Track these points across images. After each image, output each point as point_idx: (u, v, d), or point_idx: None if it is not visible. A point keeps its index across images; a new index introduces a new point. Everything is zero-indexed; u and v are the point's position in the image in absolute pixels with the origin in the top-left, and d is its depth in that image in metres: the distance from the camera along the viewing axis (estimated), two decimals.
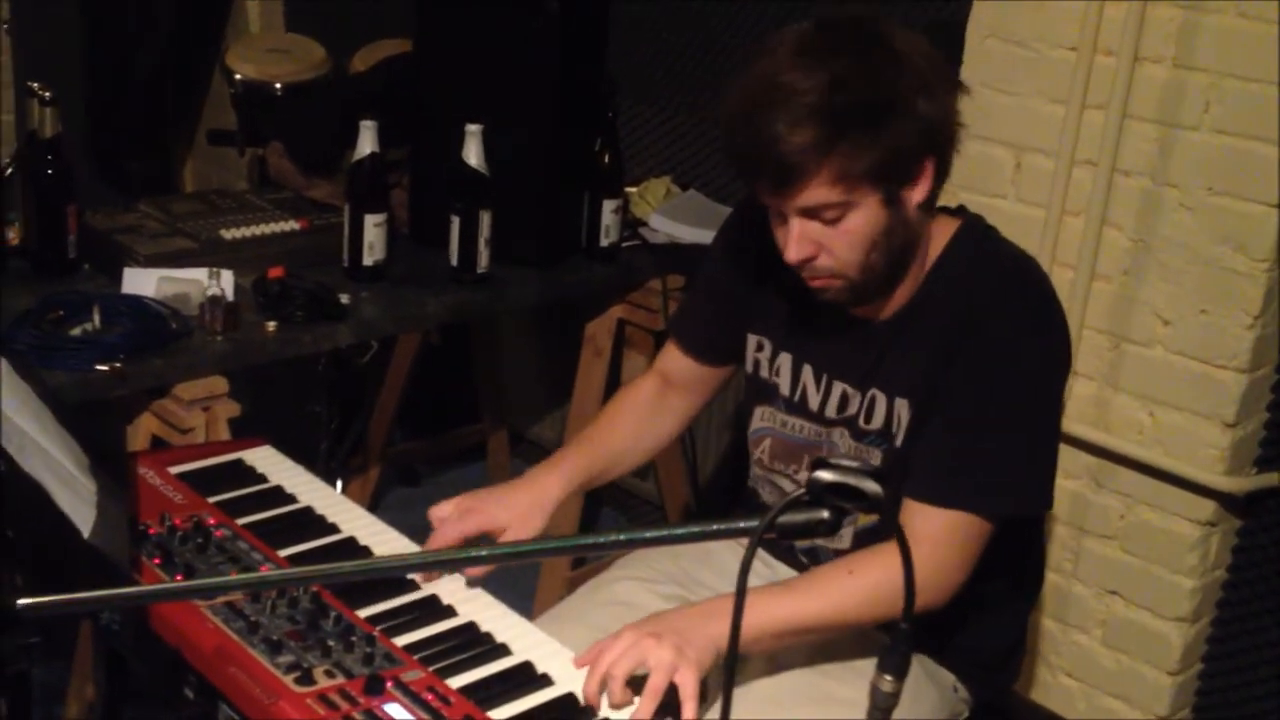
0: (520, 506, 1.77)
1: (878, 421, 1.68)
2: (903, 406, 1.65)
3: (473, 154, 2.44)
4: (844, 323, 1.69)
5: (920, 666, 1.74)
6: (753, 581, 1.72)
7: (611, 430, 1.92)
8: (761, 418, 1.82)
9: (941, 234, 1.66)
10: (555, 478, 1.81)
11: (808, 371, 1.75)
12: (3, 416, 1.44)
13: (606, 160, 2.68)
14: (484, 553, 1.10)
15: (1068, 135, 2.32)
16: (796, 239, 1.56)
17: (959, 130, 1.59)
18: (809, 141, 1.47)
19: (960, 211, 1.71)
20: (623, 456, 1.92)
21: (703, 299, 1.93)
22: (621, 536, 1.00)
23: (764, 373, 1.80)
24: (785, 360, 1.77)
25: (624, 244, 2.77)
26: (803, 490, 0.97)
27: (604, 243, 2.72)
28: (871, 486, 0.95)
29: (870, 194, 1.52)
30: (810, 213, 1.54)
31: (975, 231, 1.68)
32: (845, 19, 1.56)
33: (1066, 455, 2.32)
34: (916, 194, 1.57)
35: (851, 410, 1.70)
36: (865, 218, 1.54)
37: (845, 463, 0.97)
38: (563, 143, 2.62)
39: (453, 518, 1.74)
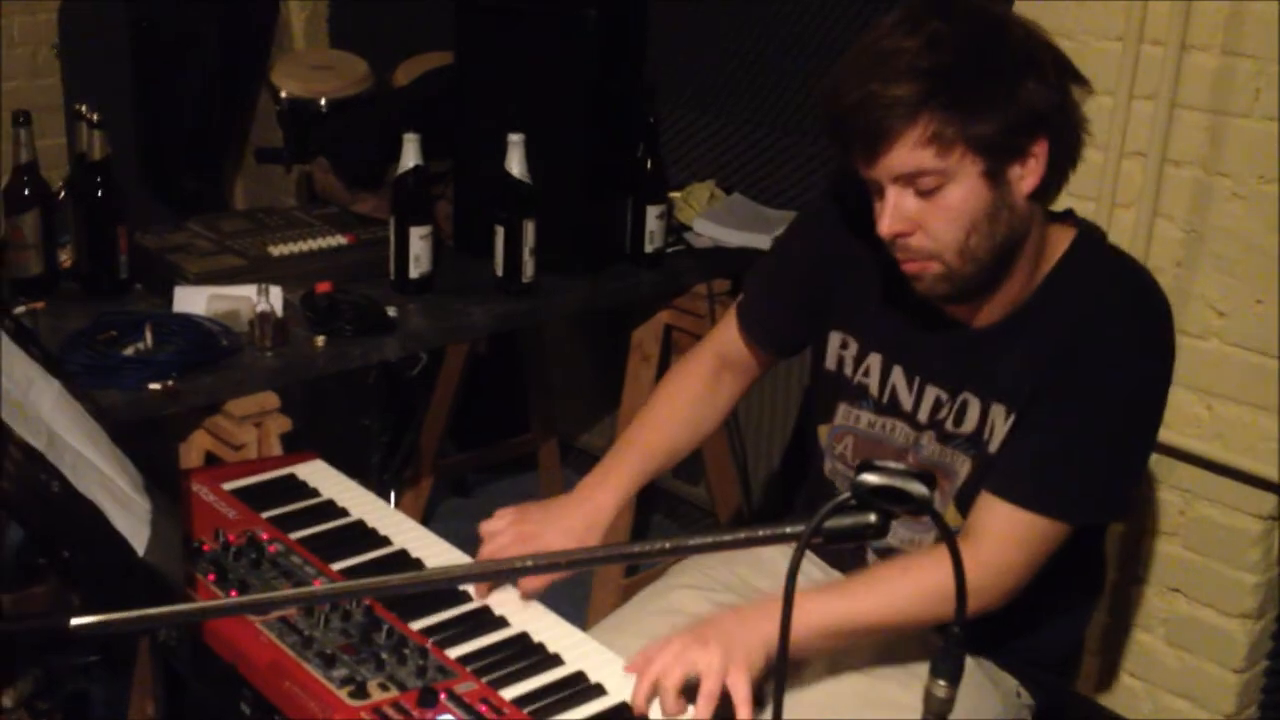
0: (575, 530, 1.74)
1: (968, 425, 1.64)
2: (999, 412, 1.61)
3: (515, 164, 2.45)
4: (940, 326, 1.65)
5: (982, 671, 1.72)
6: (811, 588, 1.72)
7: (662, 424, 1.88)
8: (844, 416, 1.78)
9: (1057, 242, 1.61)
10: (608, 493, 1.78)
11: (899, 373, 1.71)
12: (57, 437, 1.46)
13: (649, 166, 2.68)
14: (530, 562, 1.10)
15: (1116, 126, 2.29)
16: (891, 211, 1.51)
17: (1082, 128, 1.54)
18: (899, 98, 1.44)
19: (1072, 217, 1.66)
20: (674, 451, 1.88)
21: (772, 292, 1.88)
22: (668, 544, 0.99)
23: (848, 371, 1.76)
24: (875, 361, 1.73)
25: (669, 249, 2.77)
26: (848, 495, 0.96)
27: (649, 249, 2.71)
28: (918, 488, 0.94)
29: (969, 164, 1.47)
30: (905, 180, 1.49)
31: (1094, 242, 1.64)
32: None
33: None
34: (1026, 180, 1.51)
35: (941, 414, 1.67)
36: (964, 192, 1.48)
37: (891, 465, 0.96)
38: (604, 150, 2.62)
39: (506, 543, 1.72)
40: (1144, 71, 2.25)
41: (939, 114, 1.45)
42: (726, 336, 1.91)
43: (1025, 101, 1.47)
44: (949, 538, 0.98)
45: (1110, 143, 2.30)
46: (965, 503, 1.64)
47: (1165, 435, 2.31)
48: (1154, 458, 2.36)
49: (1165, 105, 2.23)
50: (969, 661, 1.69)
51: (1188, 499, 2.34)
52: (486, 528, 1.74)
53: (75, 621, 1.02)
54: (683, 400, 1.90)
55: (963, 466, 1.66)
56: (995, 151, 1.48)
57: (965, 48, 1.46)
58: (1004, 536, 1.56)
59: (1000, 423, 1.61)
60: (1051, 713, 1.81)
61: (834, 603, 1.56)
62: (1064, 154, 1.54)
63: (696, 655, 1.45)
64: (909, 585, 1.55)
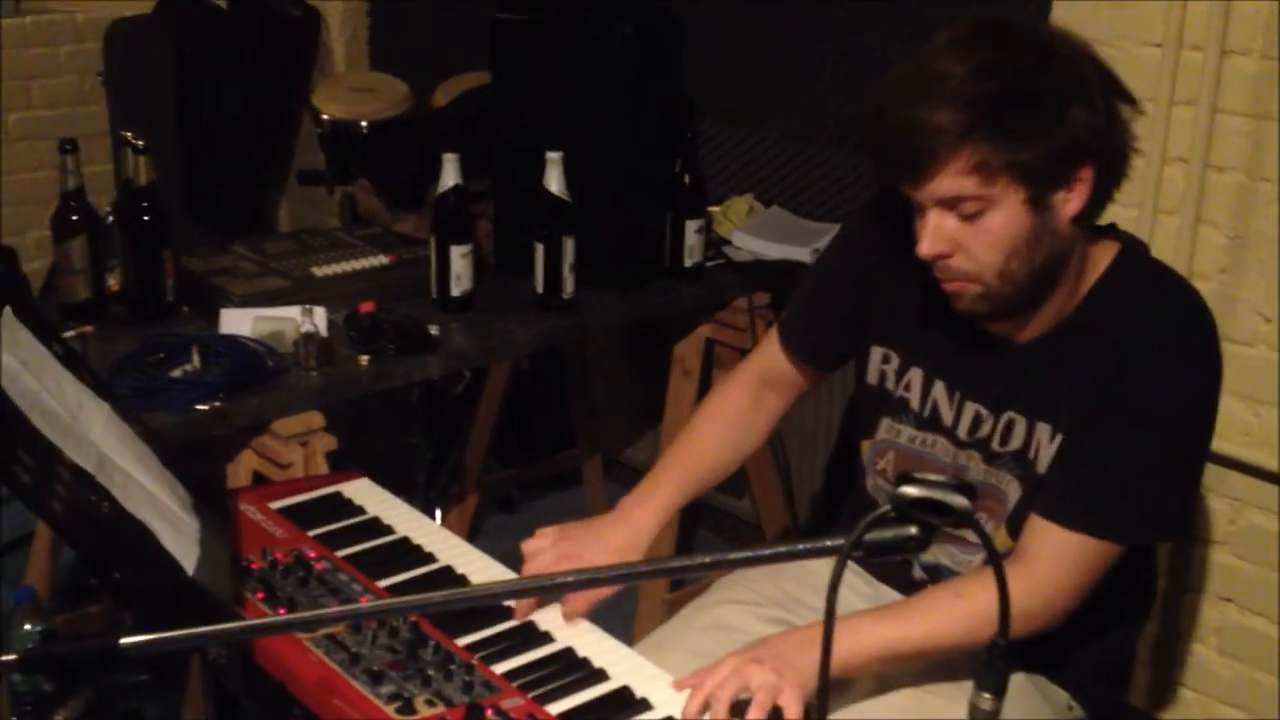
0: (617, 548, 1.74)
1: (1014, 444, 1.63)
2: (1044, 431, 1.60)
3: (554, 181, 2.46)
4: (982, 342, 1.64)
5: (1034, 685, 1.71)
6: (857, 603, 1.72)
7: (704, 442, 1.88)
8: (886, 431, 1.77)
9: (1099, 257, 1.59)
10: (649, 511, 1.78)
11: (940, 388, 1.70)
12: (107, 459, 1.48)
13: (687, 180, 2.69)
14: (571, 578, 1.10)
15: (1158, 133, 2.28)
16: (932, 232, 1.50)
17: (1129, 147, 1.53)
18: (945, 125, 1.43)
19: (1114, 231, 1.64)
20: (716, 469, 1.88)
21: (814, 307, 1.88)
22: (708, 559, 0.99)
23: (890, 385, 1.75)
24: (916, 375, 1.72)
25: (708, 263, 2.77)
26: (888, 507, 0.96)
27: (688, 263, 2.72)
28: (958, 500, 0.94)
29: (1012, 192, 1.46)
30: (947, 204, 1.48)
31: (1137, 257, 1.63)
32: (1005, 17, 1.52)
33: None
34: (1071, 205, 1.50)
35: (984, 432, 1.66)
36: (1006, 218, 1.48)
37: (931, 477, 0.95)
38: (642, 165, 2.63)
39: (548, 557, 1.72)
40: (1184, 77, 2.24)
41: (984, 144, 1.44)
42: (768, 354, 1.91)
43: (1071, 130, 1.46)
44: (991, 550, 0.98)
45: (1152, 149, 2.28)
46: (1016, 526, 1.63)
47: (1214, 443, 2.29)
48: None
49: (1206, 110, 2.21)
50: (1019, 675, 1.68)
51: (1237, 507, 2.31)
52: (528, 546, 1.75)
53: (125, 641, 1.03)
54: (724, 419, 1.89)
55: (1011, 488, 1.64)
56: (1039, 179, 1.47)
57: (1013, 77, 1.44)
58: (1055, 559, 1.55)
59: (1046, 442, 1.60)
60: None
61: (886, 628, 1.56)
62: (1110, 177, 1.52)
63: (750, 673, 1.45)
64: (961, 610, 1.54)
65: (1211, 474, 2.33)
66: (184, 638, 1.05)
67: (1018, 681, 1.68)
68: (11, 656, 1.04)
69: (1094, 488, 1.55)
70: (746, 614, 1.78)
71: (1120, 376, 1.53)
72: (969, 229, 1.49)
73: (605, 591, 1.64)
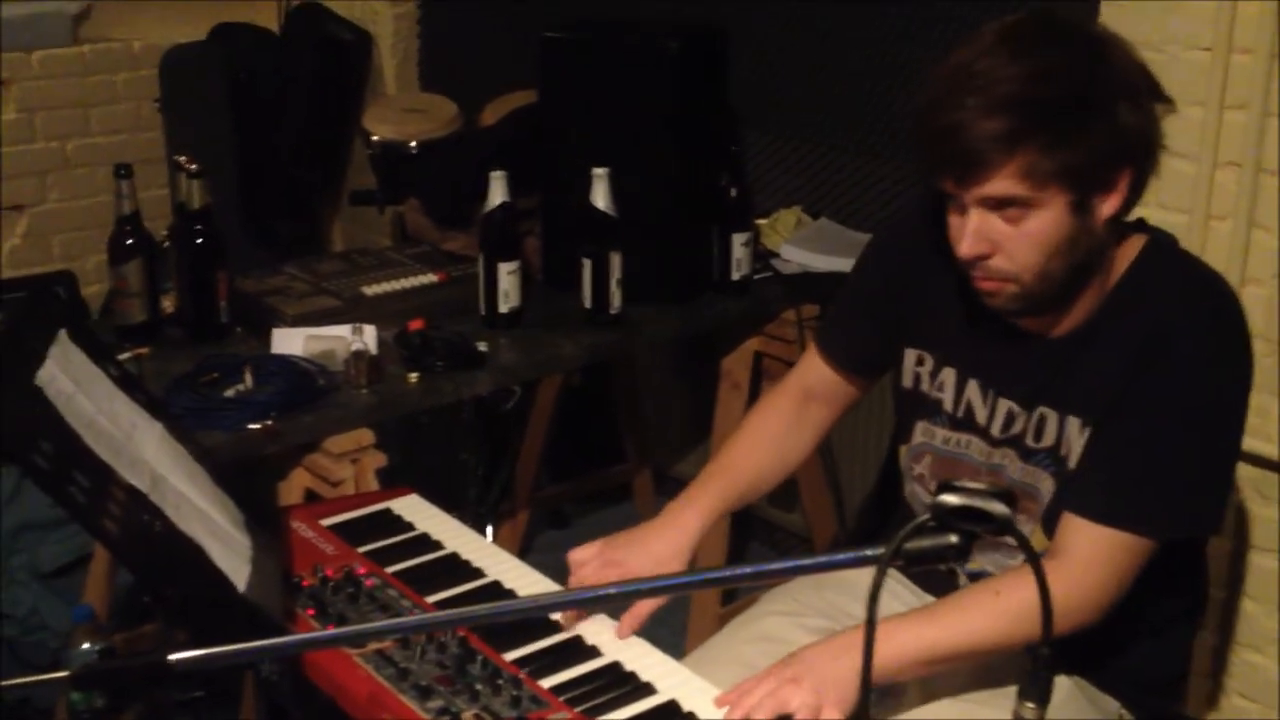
0: (660, 554, 1.74)
1: (1048, 440, 1.62)
2: (1075, 425, 1.59)
3: (600, 197, 2.47)
4: (1013, 339, 1.64)
5: (1083, 693, 1.69)
6: (902, 612, 1.71)
7: (748, 454, 1.88)
8: (922, 433, 1.77)
9: (1127, 251, 1.59)
10: (693, 516, 1.79)
11: (973, 387, 1.70)
12: (160, 478, 1.51)
13: (733, 194, 2.69)
14: (613, 590, 1.11)
15: (1208, 137, 2.25)
16: (973, 233, 1.50)
17: (1160, 148, 1.53)
18: (1000, 131, 1.43)
19: (1143, 225, 1.64)
20: (761, 480, 1.88)
21: (852, 312, 1.89)
22: (748, 569, 1.00)
23: (924, 387, 1.76)
24: (949, 375, 1.72)
25: (756, 276, 2.77)
26: (927, 516, 0.96)
27: (735, 276, 2.72)
28: (998, 508, 0.93)
29: (1059, 196, 1.47)
30: (992, 205, 1.48)
31: (1164, 248, 1.62)
32: (1055, 15, 1.51)
33: (1239, 473, 2.24)
34: (1108, 206, 1.51)
35: (1017, 429, 1.65)
36: (1050, 221, 1.48)
37: (970, 485, 0.95)
38: (688, 179, 2.64)
39: (591, 570, 1.74)
40: (1234, 81, 2.21)
41: (1036, 150, 1.44)
42: (810, 365, 1.91)
43: (1120, 133, 1.46)
44: (1031, 556, 0.97)
45: (1203, 154, 2.26)
46: (1052, 524, 1.62)
47: (1270, 450, 2.27)
48: (1258, 474, 2.30)
49: (1258, 114, 2.18)
50: (1067, 682, 1.67)
51: None
52: (574, 556, 1.76)
53: (174, 657, 1.05)
54: (767, 431, 1.90)
55: (1046, 486, 1.64)
56: (1086, 183, 1.48)
57: (1070, 82, 1.44)
58: (1089, 554, 1.54)
59: (1077, 436, 1.59)
60: None
61: (925, 630, 1.55)
62: (1144, 177, 1.53)
63: (789, 694, 1.45)
64: (1000, 608, 1.54)
65: (1266, 481, 2.30)
66: (232, 653, 1.07)
67: (1066, 687, 1.67)
68: (64, 673, 1.06)
69: (1122, 481, 1.54)
70: (792, 625, 1.78)
71: (1147, 368, 1.53)
72: (1011, 230, 1.50)
73: (655, 602, 1.65)
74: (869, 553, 0.96)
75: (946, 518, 0.94)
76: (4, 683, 1.10)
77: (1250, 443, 2.25)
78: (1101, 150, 1.46)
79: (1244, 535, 2.35)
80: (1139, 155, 1.50)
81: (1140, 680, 1.73)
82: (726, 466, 1.87)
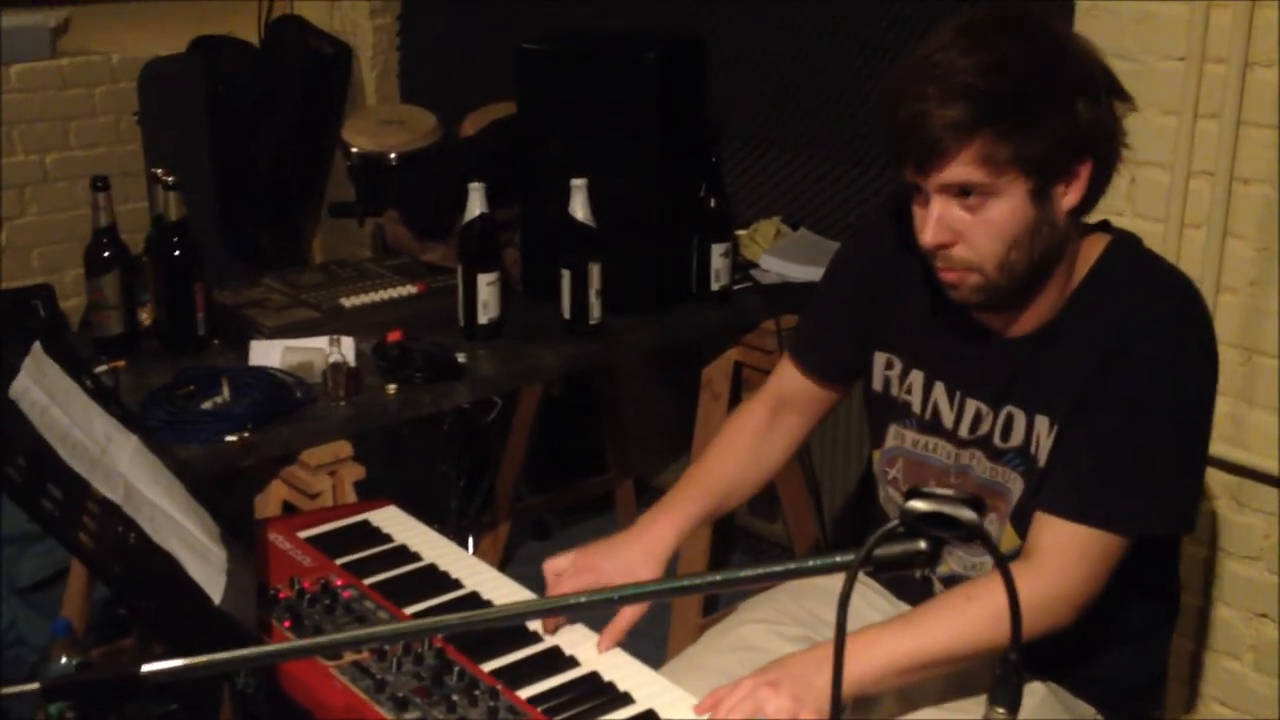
0: (634, 561, 1.75)
1: (1015, 439, 1.64)
2: (1043, 424, 1.61)
3: (579, 207, 2.48)
4: (978, 338, 1.66)
5: (1056, 698, 1.70)
6: (878, 620, 1.71)
7: (723, 462, 1.89)
8: (894, 436, 1.79)
9: (1091, 250, 1.62)
10: (666, 525, 1.79)
11: (940, 389, 1.71)
12: (135, 490, 1.50)
13: (712, 204, 2.70)
14: (585, 599, 1.11)
15: (1183, 147, 2.27)
16: (936, 222, 1.53)
17: (1122, 144, 1.56)
18: (957, 119, 1.46)
19: (1108, 227, 1.66)
20: (736, 488, 1.89)
21: (823, 318, 1.90)
22: (721, 576, 1.00)
23: (894, 390, 1.77)
24: (917, 378, 1.74)
25: (735, 287, 2.78)
26: (896, 522, 0.96)
27: (715, 286, 2.72)
28: (967, 514, 0.94)
29: (1017, 183, 1.49)
30: (954, 192, 1.51)
31: (1128, 248, 1.64)
32: (1016, 10, 1.54)
33: (1205, 478, 2.25)
34: (1069, 198, 1.53)
35: (984, 429, 1.67)
36: (1009, 208, 1.50)
37: (939, 491, 0.95)
38: (667, 190, 2.64)
39: (567, 575, 1.74)
40: (1208, 90, 2.23)
41: (993, 138, 1.47)
42: (784, 374, 1.92)
43: (1077, 125, 1.49)
44: (999, 561, 0.97)
45: (1177, 163, 2.28)
46: (1021, 522, 1.63)
47: (1245, 457, 2.28)
48: (1232, 480, 2.31)
49: (1231, 124, 2.20)
50: (1041, 688, 1.68)
51: (1271, 522, 2.29)
52: (549, 566, 1.77)
53: (146, 669, 1.05)
54: (741, 440, 1.91)
55: (1015, 485, 1.65)
56: (1044, 172, 1.50)
57: (1025, 73, 1.47)
58: (1061, 553, 1.55)
59: (1045, 435, 1.61)
60: None
61: (902, 638, 1.55)
62: (1105, 171, 1.56)
63: (766, 698, 1.45)
64: (974, 614, 1.54)
65: (1244, 489, 2.31)
66: (204, 664, 1.06)
67: (1040, 693, 1.68)
68: (34, 685, 1.05)
69: (1091, 478, 1.55)
70: (770, 633, 1.78)
71: (1113, 365, 1.55)
72: (972, 219, 1.52)
73: (636, 612, 1.65)
74: (839, 559, 0.96)
75: (915, 524, 0.94)
76: None
77: (1225, 449, 2.28)
78: (1058, 140, 1.49)
79: (1218, 542, 2.36)
80: (1099, 148, 1.52)
81: (1117, 686, 1.73)
82: (700, 476, 1.88)
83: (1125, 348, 1.54)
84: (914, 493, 0.96)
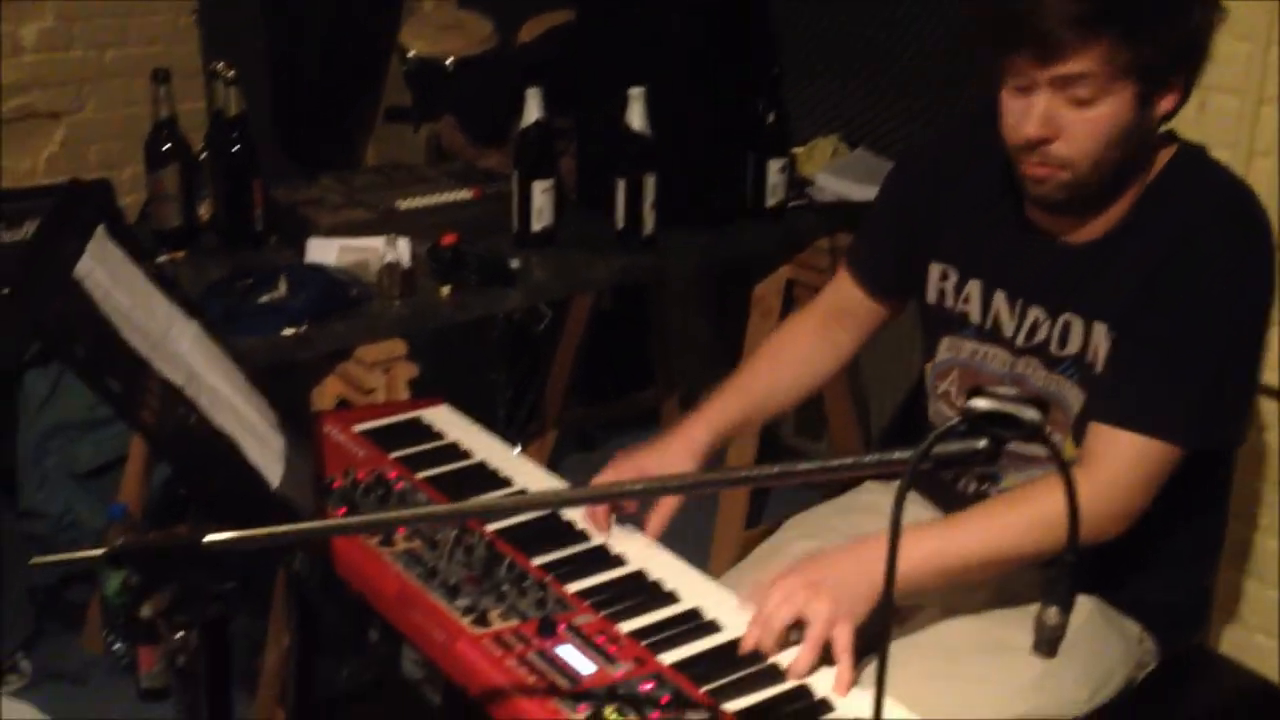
0: (669, 456, 1.75)
1: (1072, 347, 1.63)
2: (1101, 331, 1.60)
3: (636, 118, 2.46)
4: (1038, 246, 1.66)
5: (1103, 616, 1.70)
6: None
7: (766, 368, 1.89)
8: (948, 348, 1.78)
9: (1159, 158, 1.61)
10: (701, 430, 1.79)
11: (1000, 297, 1.70)
12: (196, 375, 1.52)
13: (770, 120, 2.67)
14: (631, 488, 1.12)
15: (1254, 73, 2.22)
16: (1041, 114, 1.51)
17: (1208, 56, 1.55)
18: (1083, 13, 1.44)
19: (1174, 137, 1.65)
20: (775, 394, 1.88)
21: (879, 232, 1.89)
22: (775, 470, 1.00)
23: (949, 302, 1.76)
24: (975, 287, 1.73)
25: (791, 204, 2.76)
26: (958, 419, 0.96)
27: (770, 203, 2.71)
28: (1029, 414, 0.93)
29: (1129, 87, 1.49)
30: (1062, 85, 1.49)
31: (1194, 157, 1.63)
32: None
33: (1258, 405, 2.23)
34: (1165, 104, 1.53)
35: (1041, 337, 1.66)
36: (1115, 110, 1.50)
37: (1002, 390, 0.95)
38: (725, 104, 2.62)
39: (607, 470, 1.75)
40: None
41: (1115, 38, 1.45)
42: (838, 287, 1.92)
43: (1190, 34, 1.49)
44: (1060, 463, 0.97)
45: (1248, 89, 2.23)
46: (1081, 434, 1.62)
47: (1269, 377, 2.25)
48: (1261, 402, 2.29)
49: (1253, 101, 2.16)
50: (1089, 602, 1.68)
51: None
52: (599, 480, 1.77)
53: (208, 538, 1.07)
54: (787, 351, 1.91)
55: (1073, 396, 1.64)
56: (1153, 78, 1.50)
57: None
58: (1114, 460, 1.54)
59: (1103, 342, 1.60)
60: (1178, 662, 1.77)
61: (945, 538, 1.55)
62: (1195, 80, 1.55)
63: (805, 600, 1.46)
64: (1020, 516, 1.54)
65: (1271, 410, 2.28)
66: (264, 536, 1.09)
67: (1087, 608, 1.68)
68: (99, 550, 1.08)
69: (1144, 387, 1.55)
70: (817, 551, 1.78)
71: (1170, 269, 1.54)
72: (1076, 115, 1.51)
73: (673, 503, 1.66)
74: (898, 455, 0.96)
75: (977, 422, 0.94)
76: (41, 559, 1.12)
77: (1269, 376, 2.25)
78: (1174, 48, 1.49)
79: (1271, 473, 2.34)
80: (1198, 59, 1.52)
81: (1162, 606, 1.73)
82: (741, 382, 1.87)
83: (1184, 253, 1.54)
84: (976, 391, 0.96)
